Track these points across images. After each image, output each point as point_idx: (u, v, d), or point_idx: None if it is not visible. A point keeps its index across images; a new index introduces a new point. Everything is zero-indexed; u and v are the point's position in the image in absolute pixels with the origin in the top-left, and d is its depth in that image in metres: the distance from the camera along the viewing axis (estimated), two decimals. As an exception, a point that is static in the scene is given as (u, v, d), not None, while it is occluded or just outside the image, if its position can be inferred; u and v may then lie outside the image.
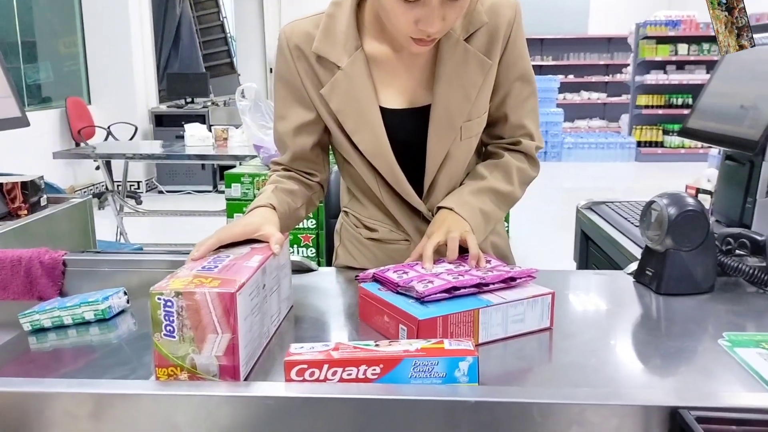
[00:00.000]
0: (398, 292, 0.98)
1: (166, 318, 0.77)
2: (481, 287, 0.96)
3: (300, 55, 1.17)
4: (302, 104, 1.21)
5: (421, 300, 0.93)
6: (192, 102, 7.49)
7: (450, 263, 1.06)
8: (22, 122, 1.93)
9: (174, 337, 0.78)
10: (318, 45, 1.15)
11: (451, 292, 0.94)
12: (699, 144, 8.58)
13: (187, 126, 4.48)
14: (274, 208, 1.10)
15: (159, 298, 0.77)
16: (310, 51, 1.16)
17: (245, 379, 0.81)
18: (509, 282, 0.98)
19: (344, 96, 1.16)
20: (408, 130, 1.19)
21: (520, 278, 0.99)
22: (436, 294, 0.93)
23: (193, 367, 0.78)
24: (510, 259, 1.38)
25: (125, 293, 1.11)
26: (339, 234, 1.41)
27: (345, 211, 1.39)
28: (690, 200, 1.11)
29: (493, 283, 0.97)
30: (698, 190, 1.65)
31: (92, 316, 1.06)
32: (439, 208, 1.20)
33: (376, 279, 1.03)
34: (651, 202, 1.14)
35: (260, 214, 1.07)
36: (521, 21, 1.18)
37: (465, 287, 0.95)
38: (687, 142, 9.04)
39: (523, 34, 1.19)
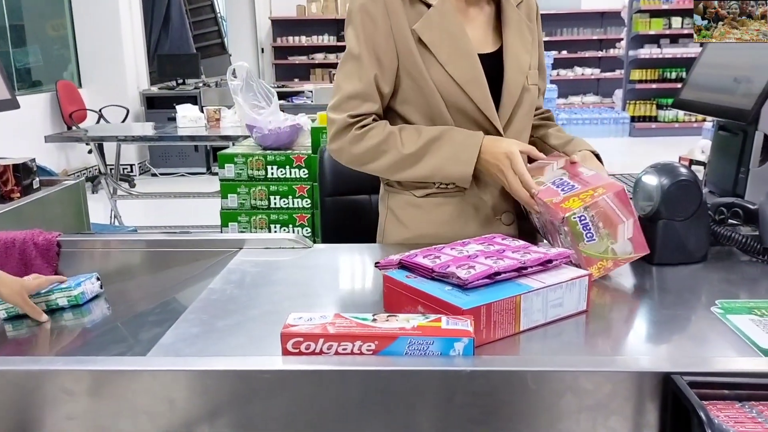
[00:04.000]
0: (433, 278, 0.92)
1: (584, 228, 1.01)
2: (520, 271, 0.92)
3: None
4: (383, 46, 1.25)
5: (464, 287, 0.87)
6: (183, 83, 7.43)
7: (479, 244, 1.03)
8: (12, 104, 1.92)
9: (594, 239, 1.02)
10: None
11: (493, 278, 0.89)
12: (693, 118, 8.58)
13: (178, 107, 4.45)
14: None
15: (574, 217, 1.01)
16: None
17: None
18: (546, 264, 0.94)
19: (438, 28, 1.24)
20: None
21: (557, 260, 0.95)
22: (479, 280, 0.87)
23: (614, 253, 1.03)
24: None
25: (98, 278, 1.11)
26: (385, 204, 1.40)
27: (388, 182, 1.39)
28: (683, 170, 1.11)
29: (533, 266, 0.93)
30: (691, 161, 1.66)
31: (65, 302, 1.05)
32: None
33: (404, 266, 0.97)
34: (643, 173, 1.14)
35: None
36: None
37: (506, 272, 0.90)
38: (681, 116, 9.03)
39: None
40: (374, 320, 0.79)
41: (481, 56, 1.27)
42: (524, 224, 1.33)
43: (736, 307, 0.93)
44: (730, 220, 1.20)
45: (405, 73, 1.26)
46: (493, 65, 1.28)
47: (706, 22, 1.27)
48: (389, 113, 1.32)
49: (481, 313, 0.83)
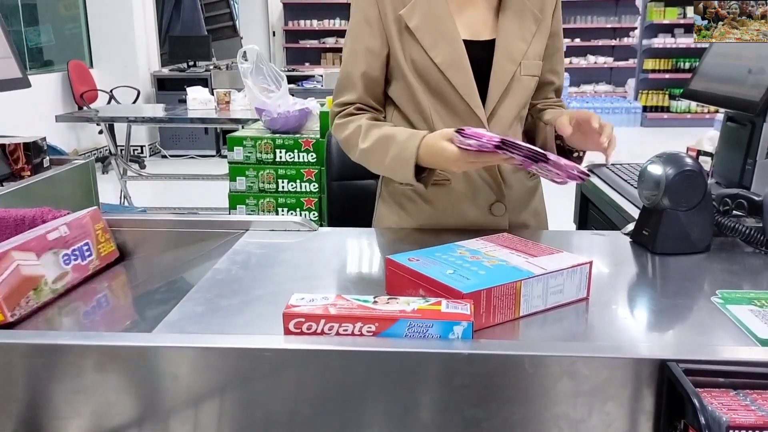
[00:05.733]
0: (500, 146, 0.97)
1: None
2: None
3: None
4: (374, 33, 1.26)
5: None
6: (194, 65, 7.43)
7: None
8: (23, 83, 1.93)
9: None
10: None
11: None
12: (705, 109, 8.51)
13: (189, 89, 4.45)
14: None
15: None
16: None
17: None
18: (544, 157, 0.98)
19: (424, 14, 1.24)
20: (471, 60, 1.25)
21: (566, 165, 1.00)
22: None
23: None
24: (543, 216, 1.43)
25: None
26: (380, 188, 1.43)
27: None
28: (688, 160, 1.11)
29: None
30: (699, 152, 1.65)
31: None
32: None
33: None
34: (649, 162, 1.14)
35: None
36: None
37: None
38: (693, 106, 8.95)
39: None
40: (375, 302, 0.80)
41: (476, 42, 1.26)
42: (515, 217, 1.34)
43: (737, 297, 0.93)
44: (735, 211, 1.20)
45: (392, 58, 1.27)
46: (487, 53, 1.26)
47: (706, 22, 1.26)
48: (387, 100, 1.35)
49: (481, 297, 0.84)
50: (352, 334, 0.77)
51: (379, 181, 1.44)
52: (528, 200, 1.38)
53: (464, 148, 1.05)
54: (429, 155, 1.14)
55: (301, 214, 3.11)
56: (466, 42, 1.25)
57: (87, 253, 1.13)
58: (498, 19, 1.28)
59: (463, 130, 1.03)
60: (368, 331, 0.77)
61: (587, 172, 1.04)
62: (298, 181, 3.09)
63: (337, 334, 0.77)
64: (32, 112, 5.12)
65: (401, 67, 1.26)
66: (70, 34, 6.76)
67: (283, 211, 3.10)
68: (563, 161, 1.01)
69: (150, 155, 7.06)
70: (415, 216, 1.33)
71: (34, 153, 1.84)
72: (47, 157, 1.90)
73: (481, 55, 1.25)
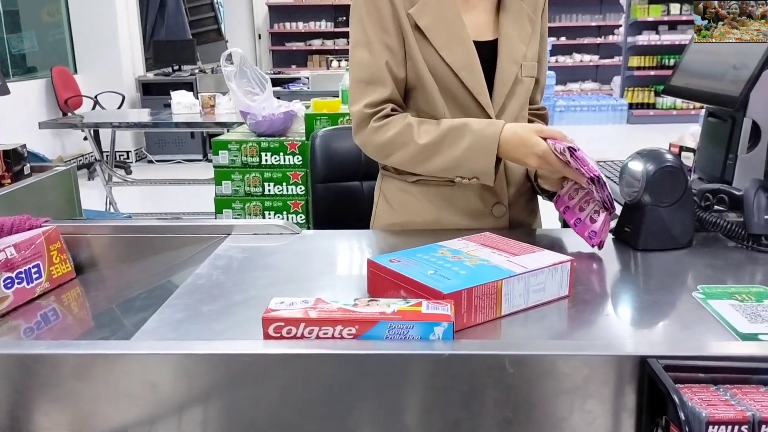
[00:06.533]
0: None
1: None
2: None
3: None
4: (390, 31, 1.24)
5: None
6: (179, 70, 7.40)
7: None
8: (2, 90, 1.91)
9: None
10: None
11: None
12: (691, 105, 8.57)
13: (173, 93, 4.43)
14: None
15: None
16: None
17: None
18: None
19: (433, 13, 1.23)
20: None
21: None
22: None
23: None
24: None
25: None
26: (380, 188, 1.41)
27: (384, 167, 1.39)
28: (668, 156, 1.12)
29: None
30: (681, 148, 1.66)
31: None
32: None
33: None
34: (629, 159, 1.15)
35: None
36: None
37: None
38: (679, 103, 9.01)
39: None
40: (355, 305, 0.79)
41: (478, 44, 1.26)
42: (516, 216, 1.34)
43: (718, 292, 0.93)
44: (716, 206, 1.20)
45: (408, 57, 1.25)
46: (490, 53, 1.27)
47: (706, 22, 1.27)
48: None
49: (462, 297, 0.83)
50: (333, 337, 0.77)
51: (378, 181, 1.43)
52: (526, 200, 1.38)
53: (555, 152, 1.10)
54: (511, 144, 1.16)
55: (288, 217, 3.10)
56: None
57: (35, 276, 1.08)
58: (498, 20, 1.29)
59: (575, 150, 1.07)
60: (348, 334, 0.77)
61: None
62: (284, 183, 3.08)
63: (318, 337, 0.77)
64: (15, 119, 5.09)
65: (418, 66, 1.24)
66: (53, 40, 6.71)
67: (270, 214, 3.10)
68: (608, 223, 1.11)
69: (136, 161, 7.02)
70: (416, 216, 1.33)
71: (14, 160, 1.82)
72: (28, 164, 1.89)
73: (484, 55, 1.26)
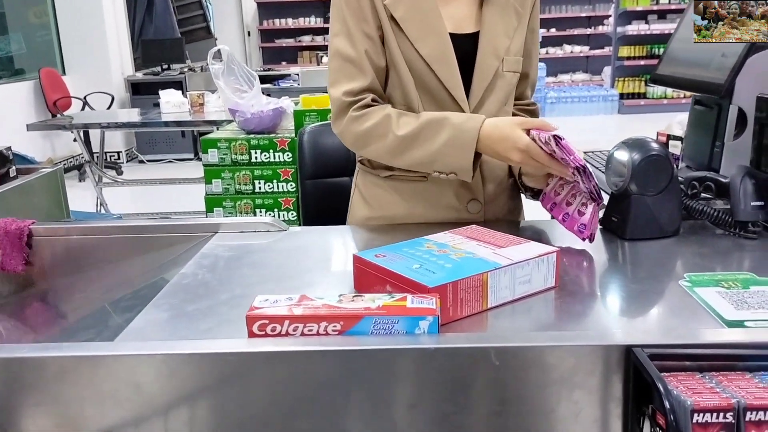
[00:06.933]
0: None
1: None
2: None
3: None
4: (369, 21, 1.23)
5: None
6: (168, 68, 7.36)
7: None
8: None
9: None
10: None
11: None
12: (681, 94, 8.58)
13: (162, 92, 4.41)
14: None
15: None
16: None
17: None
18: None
19: (410, 4, 1.21)
20: (455, 53, 1.23)
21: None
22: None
23: None
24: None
25: None
26: (356, 182, 1.41)
27: (360, 160, 1.38)
28: (654, 145, 1.12)
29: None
30: (669, 137, 1.66)
31: None
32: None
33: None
34: (615, 149, 1.14)
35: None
36: None
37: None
38: (669, 92, 9.03)
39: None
40: (340, 301, 0.79)
41: (459, 36, 1.24)
42: (495, 213, 1.33)
43: (704, 279, 0.93)
44: (703, 194, 1.20)
45: (386, 49, 1.24)
46: (470, 47, 1.25)
47: (706, 22, 1.26)
48: None
49: (447, 291, 0.83)
50: (318, 333, 0.76)
51: (355, 176, 1.43)
52: (507, 197, 1.36)
53: (539, 143, 1.08)
54: (492, 139, 1.14)
55: (279, 215, 3.09)
56: (450, 35, 1.23)
57: None
58: (481, 11, 1.26)
59: (561, 139, 1.04)
60: (334, 330, 0.76)
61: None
62: (274, 181, 3.07)
63: (302, 334, 0.76)
64: (3, 121, 5.06)
65: (394, 56, 1.23)
66: (41, 42, 6.67)
67: (261, 212, 3.09)
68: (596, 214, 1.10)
69: (127, 161, 6.99)
70: (390, 211, 1.32)
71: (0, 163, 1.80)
72: (13, 167, 1.87)
73: (464, 48, 1.24)
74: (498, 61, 1.25)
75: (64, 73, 6.78)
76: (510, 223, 1.32)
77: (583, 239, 1.11)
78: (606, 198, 1.20)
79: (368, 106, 1.23)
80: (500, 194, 1.34)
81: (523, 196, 1.38)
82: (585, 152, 1.85)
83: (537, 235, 1.21)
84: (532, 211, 1.44)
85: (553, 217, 1.20)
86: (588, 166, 1.05)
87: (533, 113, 1.41)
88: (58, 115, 6.11)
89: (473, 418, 0.73)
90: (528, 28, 1.31)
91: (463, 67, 1.23)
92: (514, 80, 1.31)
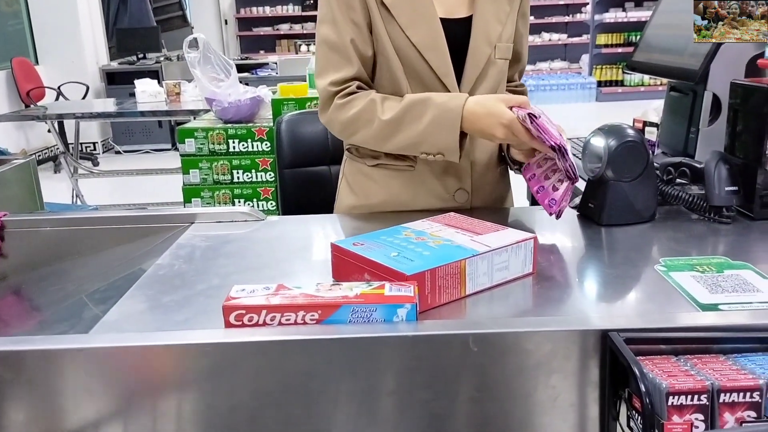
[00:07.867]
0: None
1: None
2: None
3: None
4: (356, 8, 1.20)
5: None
6: (144, 58, 7.26)
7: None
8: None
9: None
10: None
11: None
12: (658, 81, 8.66)
13: (137, 82, 4.35)
14: None
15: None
16: None
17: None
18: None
19: None
20: (447, 39, 1.21)
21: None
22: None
23: None
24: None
25: None
26: (343, 170, 1.39)
27: (348, 149, 1.37)
28: (629, 131, 1.12)
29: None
30: (645, 123, 1.67)
31: None
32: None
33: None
34: (591, 135, 1.15)
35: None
36: None
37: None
38: (647, 79, 9.10)
39: None
40: (318, 290, 0.78)
41: (451, 21, 1.22)
42: (482, 202, 1.32)
43: (679, 264, 0.94)
44: (679, 180, 1.21)
45: (374, 35, 1.22)
46: (462, 32, 1.23)
47: (706, 22, 1.27)
48: None
49: (425, 278, 0.83)
50: (295, 323, 0.76)
51: (342, 164, 1.41)
52: (493, 186, 1.35)
53: (519, 121, 1.08)
54: (476, 115, 1.13)
55: (258, 205, 3.07)
56: (441, 20, 1.21)
57: None
58: None
59: (536, 117, 1.05)
60: (311, 319, 0.76)
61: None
62: (253, 171, 3.05)
63: (280, 324, 0.76)
64: (-25, 113, 4.95)
65: (383, 44, 1.21)
66: (12, 31, 6.52)
67: (239, 202, 3.06)
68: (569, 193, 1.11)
69: (103, 152, 6.89)
70: (376, 200, 1.31)
71: (-30, 154, 1.77)
72: (-16, 158, 1.83)
73: (455, 33, 1.22)
74: (490, 48, 1.24)
75: (37, 62, 6.65)
76: (493, 210, 1.33)
77: (550, 214, 1.11)
78: (582, 184, 1.21)
79: (353, 93, 1.22)
80: (487, 183, 1.33)
81: (512, 185, 1.38)
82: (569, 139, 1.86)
83: (519, 222, 1.22)
84: (521, 199, 1.45)
85: (529, 188, 1.20)
86: (565, 145, 1.04)
87: (522, 94, 1.39)
88: (32, 106, 6.00)
89: (452, 405, 0.74)
90: (519, 13, 1.30)
91: (454, 53, 1.22)
92: (505, 67, 1.31)
